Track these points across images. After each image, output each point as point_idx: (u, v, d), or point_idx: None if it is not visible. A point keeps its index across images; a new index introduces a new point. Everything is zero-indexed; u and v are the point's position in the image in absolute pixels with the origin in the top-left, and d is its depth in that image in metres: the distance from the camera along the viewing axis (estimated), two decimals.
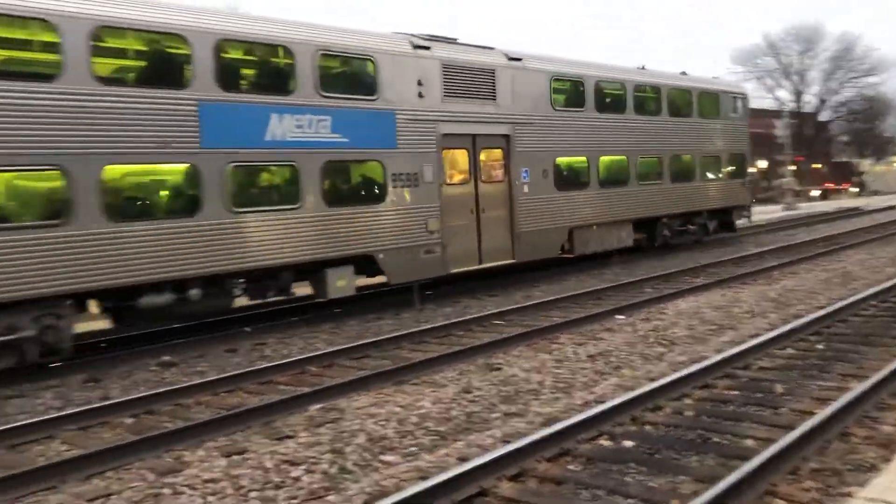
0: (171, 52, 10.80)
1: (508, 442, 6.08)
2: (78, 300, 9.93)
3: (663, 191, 19.21)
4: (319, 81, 12.04)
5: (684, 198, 19.98)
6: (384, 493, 5.27)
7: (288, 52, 11.83)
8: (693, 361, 8.59)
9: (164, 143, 10.31)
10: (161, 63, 10.76)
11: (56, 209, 9.50)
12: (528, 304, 12.99)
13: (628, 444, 6.10)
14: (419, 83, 13.53)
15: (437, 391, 8.09)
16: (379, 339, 10.63)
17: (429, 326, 11.38)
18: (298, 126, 11.73)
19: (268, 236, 11.33)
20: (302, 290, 12.83)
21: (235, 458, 6.32)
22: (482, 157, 14.90)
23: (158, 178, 10.89)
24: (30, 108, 9.18)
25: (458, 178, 14.55)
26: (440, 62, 13.93)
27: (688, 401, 7.18)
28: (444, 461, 5.98)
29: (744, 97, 23.07)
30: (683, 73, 21.54)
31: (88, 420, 7.55)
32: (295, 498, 5.46)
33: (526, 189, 15.47)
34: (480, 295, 14.79)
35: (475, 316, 12.08)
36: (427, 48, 13.83)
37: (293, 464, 6.10)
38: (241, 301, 11.93)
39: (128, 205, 10.35)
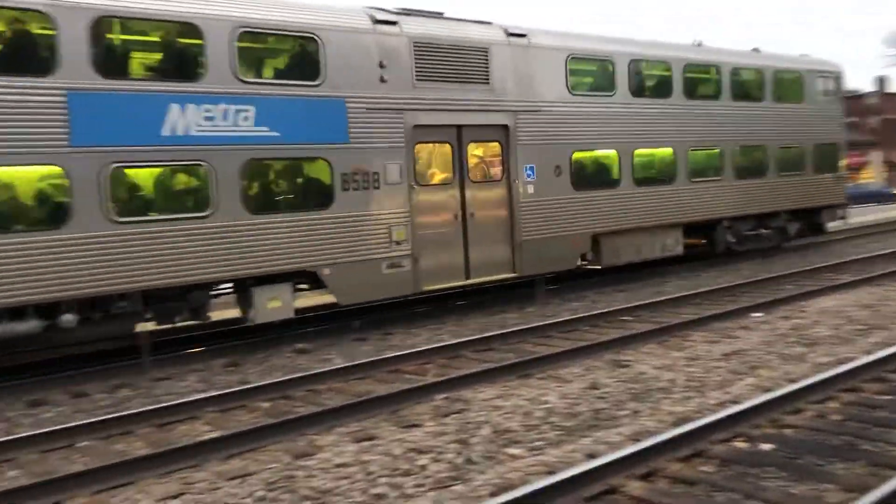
0: (34, 33, 9.14)
1: (638, 440, 5.92)
2: None
3: (724, 189, 16.42)
4: (238, 64, 10.16)
5: (753, 197, 17.03)
6: (510, 486, 5.24)
7: (194, 30, 9.90)
8: (838, 363, 8.05)
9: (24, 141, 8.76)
10: (17, 46, 9.02)
11: None
12: (658, 300, 12.59)
13: (766, 447, 5.78)
14: (381, 65, 11.37)
15: (563, 386, 7.98)
16: (504, 332, 10.61)
17: (554, 321, 11.25)
18: (209, 118, 9.88)
19: (165, 251, 9.54)
20: (225, 312, 11.94)
21: (365, 444, 6.48)
22: (472, 152, 12.73)
23: (15, 184, 9.05)
24: None
25: (438, 177, 12.53)
26: (410, 39, 11.69)
27: (833, 404, 6.73)
28: (570, 457, 5.88)
29: (836, 76, 19.39)
30: (755, 50, 18.35)
31: (228, 403, 7.95)
32: (422, 486, 5.52)
33: (531, 189, 13.14)
34: (608, 290, 14.49)
35: (602, 311, 11.83)
36: (392, 23, 11.64)
37: (420, 452, 6.18)
38: (149, 325, 10.09)
39: None
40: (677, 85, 15.54)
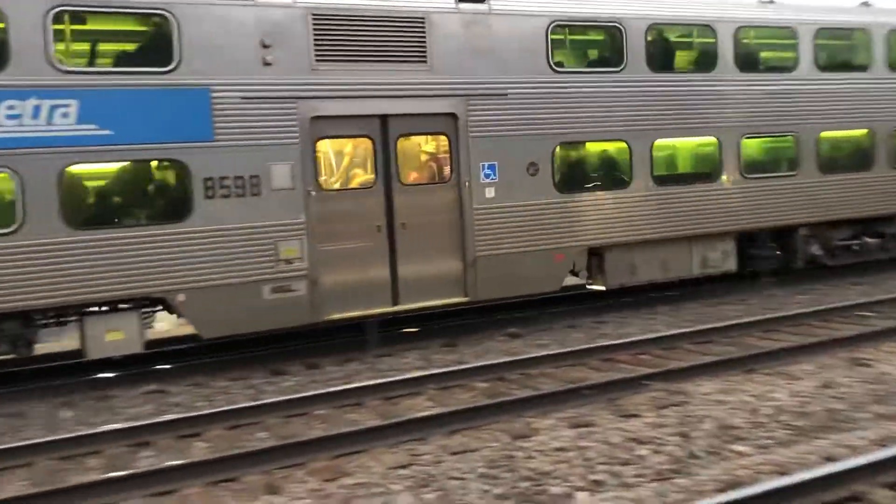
0: None
1: (885, 446, 5.44)
2: None
3: (801, 188, 12.67)
4: (53, 48, 8.35)
5: (849, 197, 13.13)
6: (738, 484, 5.04)
7: None
8: None
9: None
10: None
11: None
12: None
13: None
14: (263, 44, 9.27)
15: (793, 384, 7.50)
16: (724, 324, 10.13)
17: (781, 314, 10.55)
18: (13, 115, 8.16)
19: None
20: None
21: (582, 430, 6.49)
22: (403, 148, 10.36)
23: None
24: None
25: (353, 180, 10.40)
26: (308, 11, 9.47)
27: None
28: (803, 458, 5.53)
29: None
30: (865, 4, 13.98)
31: (448, 381, 8.28)
32: (642, 476, 5.45)
33: (491, 193, 10.56)
34: (841, 284, 13.32)
35: (836, 305, 10.93)
36: None
37: (639, 442, 6.09)
38: None
39: None
40: (726, 54, 11.97)
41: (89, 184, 9.06)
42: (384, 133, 10.03)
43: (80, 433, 7.02)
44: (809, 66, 12.78)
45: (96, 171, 8.97)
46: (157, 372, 9.55)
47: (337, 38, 9.69)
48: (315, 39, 9.54)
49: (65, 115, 8.39)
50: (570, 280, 11.69)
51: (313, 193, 9.61)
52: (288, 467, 6.05)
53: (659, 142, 11.60)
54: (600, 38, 11.59)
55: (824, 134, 12.97)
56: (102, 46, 9.26)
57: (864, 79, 13.37)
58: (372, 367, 9.40)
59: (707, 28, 11.97)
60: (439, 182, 10.52)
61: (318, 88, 9.60)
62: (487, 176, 10.59)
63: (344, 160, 10.49)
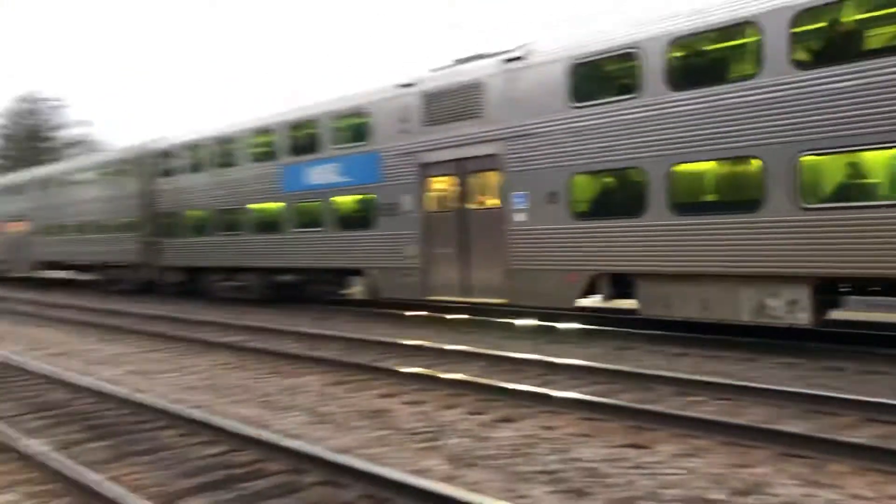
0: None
1: None
2: None
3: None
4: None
5: None
6: None
7: None
8: None
9: None
10: None
11: None
12: None
13: None
14: (400, 119, 14.84)
15: None
16: None
17: None
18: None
19: None
20: None
21: None
22: (470, 181, 13.87)
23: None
24: None
25: (443, 204, 14.39)
26: (421, 91, 14.51)
27: None
28: None
29: None
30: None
31: None
32: None
33: (522, 217, 12.68)
34: None
35: None
36: (410, 84, 14.76)
37: None
38: None
39: None
40: (775, 52, 9.88)
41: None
42: (460, 171, 13.89)
43: None
44: None
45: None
46: None
47: (433, 108, 14.23)
48: (423, 111, 14.35)
49: None
50: None
51: (421, 214, 14.38)
52: None
53: (679, 166, 10.90)
54: (619, 66, 11.75)
55: None
56: None
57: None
58: None
59: (748, 22, 10.19)
60: (492, 208, 13.39)
61: (424, 144, 14.41)
62: (519, 203, 12.83)
63: (438, 191, 14.45)
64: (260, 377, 10.21)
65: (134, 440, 7.07)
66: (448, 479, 5.70)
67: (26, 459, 6.42)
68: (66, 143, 66.94)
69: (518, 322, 13.97)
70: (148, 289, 23.61)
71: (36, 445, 6.64)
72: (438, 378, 9.10)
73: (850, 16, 9.66)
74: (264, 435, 6.57)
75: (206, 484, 5.74)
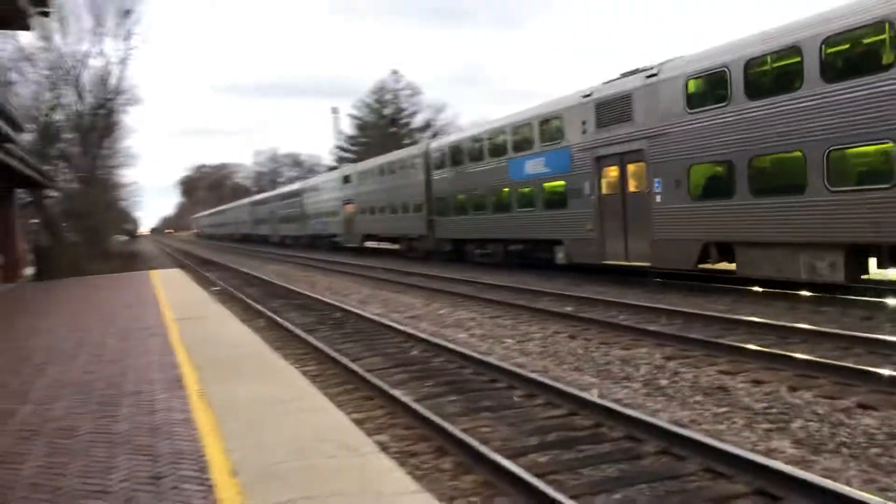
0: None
1: None
2: None
3: None
4: None
5: None
6: None
7: None
8: None
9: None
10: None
11: None
12: None
13: None
14: (582, 122, 18.98)
15: None
16: None
17: None
18: None
19: None
20: None
21: None
22: (629, 170, 17.56)
23: None
24: None
25: (611, 188, 18.40)
26: (593, 101, 18.58)
27: None
28: None
29: None
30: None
31: None
32: None
33: (659, 199, 16.45)
34: None
35: None
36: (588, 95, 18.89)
37: None
38: None
39: None
40: (813, 68, 12.77)
41: None
42: (621, 163, 17.96)
43: None
44: None
45: None
46: None
47: (602, 113, 18.39)
48: (596, 116, 18.59)
49: None
50: None
51: (596, 196, 18.70)
52: None
53: (756, 158, 14.03)
54: (715, 80, 15.00)
55: None
56: None
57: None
58: None
59: (792, 45, 13.26)
60: (642, 191, 17.23)
61: (598, 141, 18.61)
62: (657, 188, 16.62)
63: (607, 179, 18.58)
64: (594, 347, 10.43)
65: (483, 397, 7.63)
66: (796, 463, 5.45)
67: (394, 408, 7.17)
68: (418, 128, 73.74)
69: (892, 301, 12.33)
70: (428, 256, 30.60)
71: (401, 396, 7.33)
72: (788, 357, 8.64)
73: None
74: (606, 402, 6.73)
75: (550, 443, 5.99)
